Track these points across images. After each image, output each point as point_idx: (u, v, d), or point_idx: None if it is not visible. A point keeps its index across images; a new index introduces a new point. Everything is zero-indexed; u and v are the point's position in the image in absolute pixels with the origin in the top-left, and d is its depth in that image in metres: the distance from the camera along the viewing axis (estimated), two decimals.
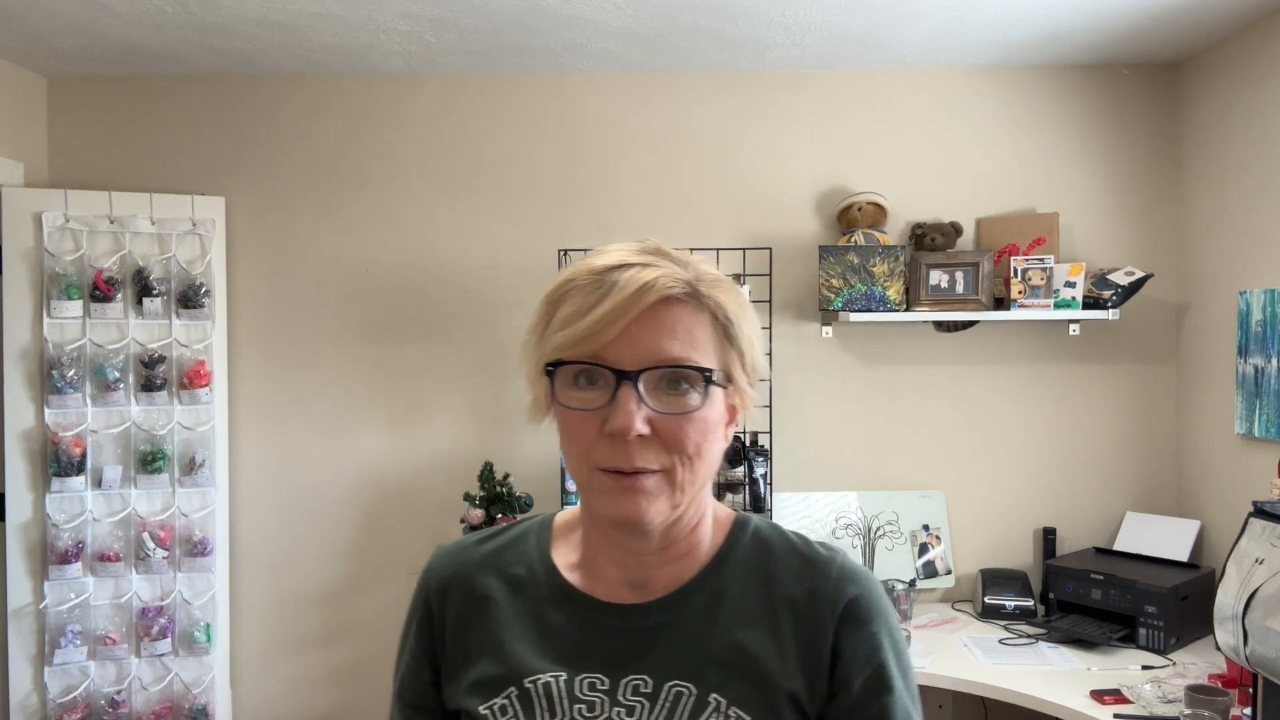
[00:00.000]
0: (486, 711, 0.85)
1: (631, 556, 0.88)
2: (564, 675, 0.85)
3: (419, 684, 0.94)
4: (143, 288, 2.85)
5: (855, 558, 2.93)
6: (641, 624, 0.87)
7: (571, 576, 0.91)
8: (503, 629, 0.89)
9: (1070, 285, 2.76)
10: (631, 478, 0.80)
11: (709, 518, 0.91)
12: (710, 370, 0.82)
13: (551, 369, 0.82)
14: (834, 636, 0.85)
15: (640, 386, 0.79)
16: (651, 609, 0.88)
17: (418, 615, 0.95)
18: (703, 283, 0.83)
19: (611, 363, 0.79)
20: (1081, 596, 2.65)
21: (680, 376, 0.81)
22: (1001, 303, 2.84)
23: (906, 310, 2.82)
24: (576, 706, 0.84)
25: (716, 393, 0.83)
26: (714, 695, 0.83)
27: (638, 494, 0.81)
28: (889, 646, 0.87)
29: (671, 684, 0.84)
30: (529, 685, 0.85)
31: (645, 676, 0.84)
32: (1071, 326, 2.82)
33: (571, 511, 0.98)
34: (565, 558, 0.93)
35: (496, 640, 0.89)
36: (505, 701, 0.85)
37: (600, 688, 0.85)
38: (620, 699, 0.84)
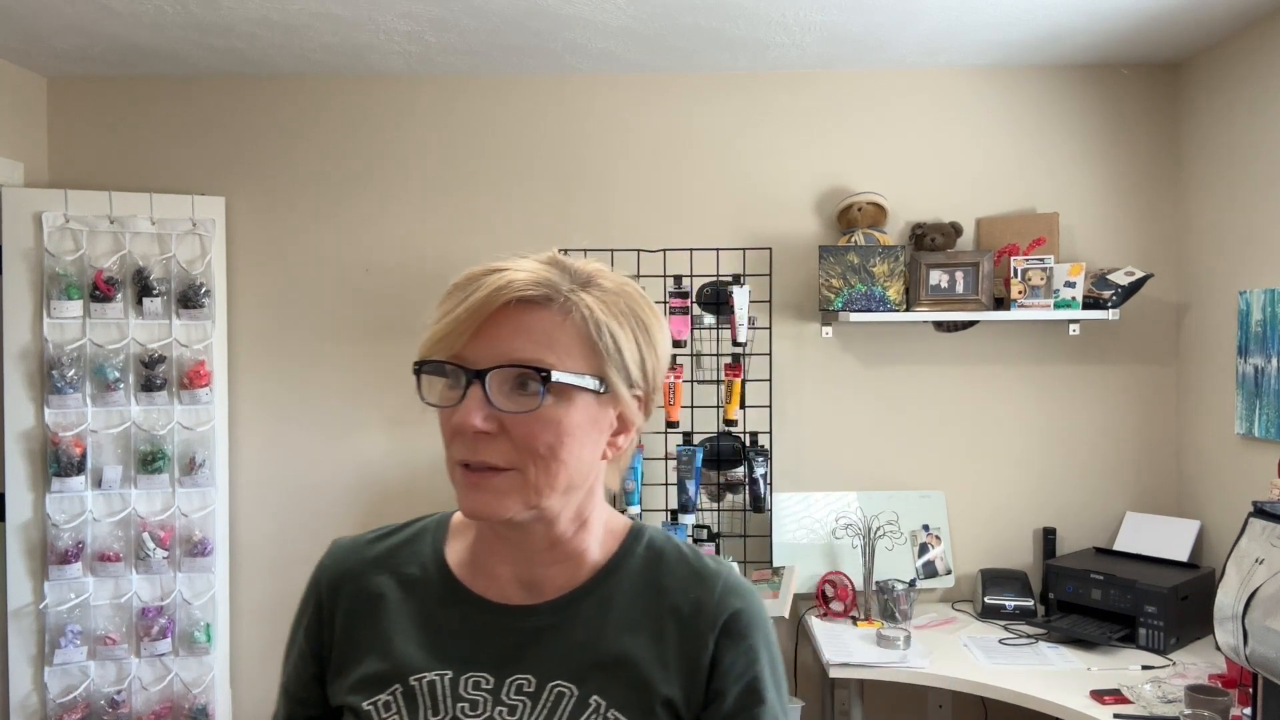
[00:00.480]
0: (370, 707, 0.87)
1: (520, 554, 0.90)
2: (449, 674, 0.87)
3: (304, 678, 0.96)
4: (143, 288, 2.85)
5: (856, 558, 2.93)
6: (529, 625, 0.89)
7: (464, 575, 0.92)
8: (392, 627, 0.90)
9: (1070, 285, 2.76)
10: (479, 474, 0.82)
11: (598, 525, 0.93)
12: (547, 371, 0.81)
13: (418, 368, 0.86)
14: (714, 648, 0.88)
15: (488, 385, 0.81)
16: (540, 611, 0.89)
17: (309, 611, 0.97)
18: (586, 289, 0.84)
19: (468, 362, 0.82)
20: (1081, 596, 2.65)
21: (529, 377, 0.81)
22: (1001, 303, 2.84)
23: (906, 310, 2.82)
24: (460, 705, 0.86)
25: (581, 397, 0.83)
26: (594, 697, 0.85)
27: (485, 491, 0.83)
28: (765, 660, 0.90)
29: (554, 684, 0.86)
30: (414, 683, 0.87)
31: (529, 676, 0.86)
32: (1071, 326, 2.82)
33: None
34: (459, 556, 0.94)
35: (385, 638, 0.90)
36: (390, 698, 0.87)
37: (485, 686, 0.87)
38: (503, 698, 0.86)
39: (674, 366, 2.74)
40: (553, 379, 0.81)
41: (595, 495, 0.91)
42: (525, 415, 0.81)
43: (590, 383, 0.83)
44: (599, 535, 0.93)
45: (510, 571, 0.91)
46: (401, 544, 0.97)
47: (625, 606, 0.90)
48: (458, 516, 0.99)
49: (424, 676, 0.87)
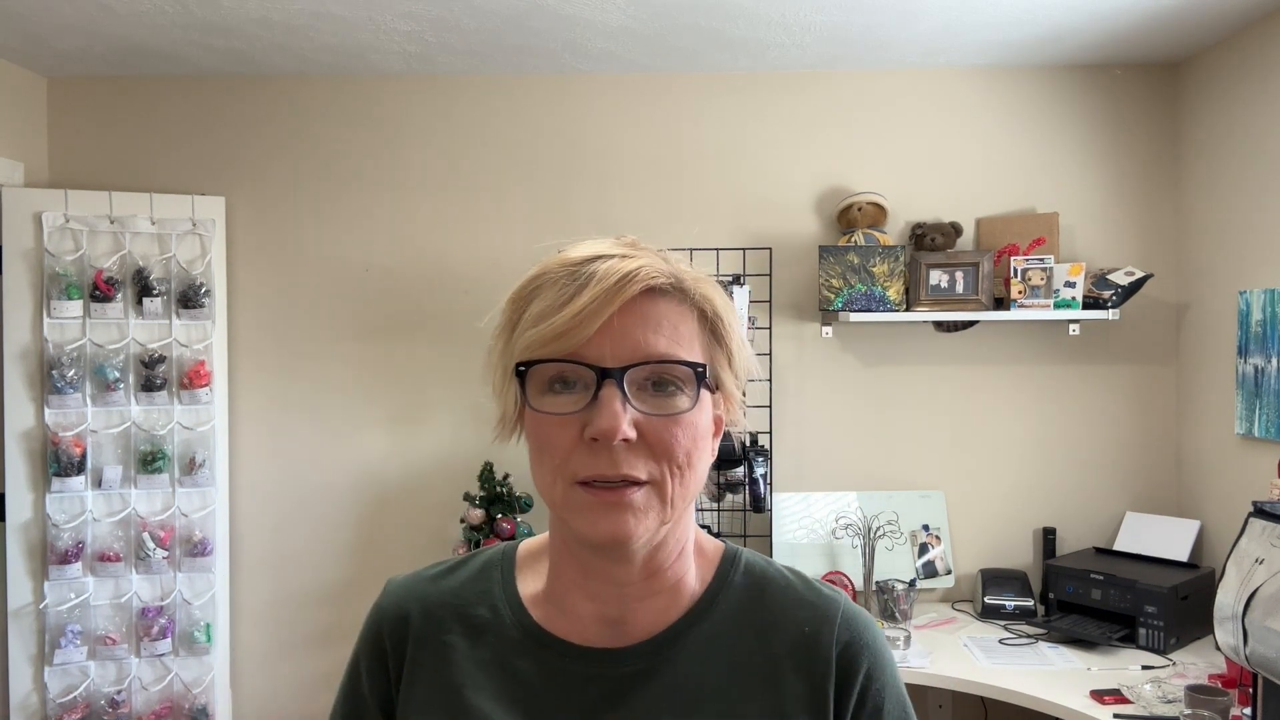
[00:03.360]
0: None
1: (611, 588, 0.78)
2: None
3: None
4: (143, 288, 2.85)
5: (856, 558, 2.92)
6: (620, 671, 0.78)
7: (539, 614, 0.81)
8: (464, 679, 0.79)
9: (1070, 285, 2.76)
10: (617, 491, 0.71)
11: (691, 547, 0.82)
12: (703, 367, 0.74)
13: (523, 369, 0.74)
14: (836, 688, 0.78)
15: (625, 385, 0.71)
16: (631, 654, 0.78)
17: (371, 657, 0.85)
18: (687, 277, 0.77)
19: (592, 360, 0.71)
20: (1081, 596, 2.65)
21: (668, 376, 0.73)
22: (1001, 303, 2.84)
23: (906, 310, 2.82)
24: None
25: (706, 396, 0.76)
26: None
27: (624, 510, 0.72)
28: (894, 695, 0.80)
29: None
30: None
31: None
32: (1071, 326, 2.82)
33: (536, 540, 0.89)
34: (532, 593, 0.83)
35: (455, 692, 0.79)
36: None
37: None
38: None
39: None
40: (705, 377, 0.74)
41: (693, 514, 0.82)
42: (669, 419, 0.72)
43: (712, 379, 0.76)
44: (692, 560, 0.81)
45: (595, 609, 0.79)
46: (466, 582, 0.85)
47: (729, 646, 0.79)
48: (524, 548, 0.88)
49: None
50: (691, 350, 0.75)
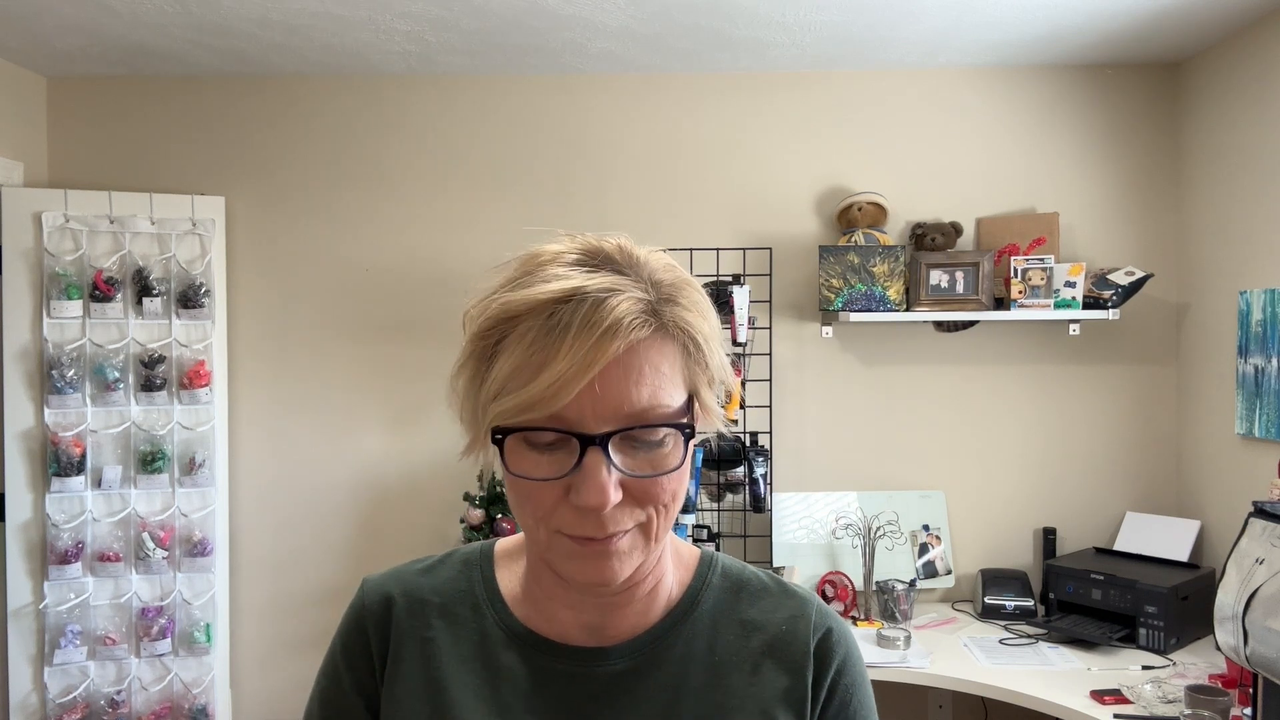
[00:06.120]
0: None
1: (590, 598, 0.79)
2: None
3: None
4: (143, 288, 2.85)
5: (857, 558, 2.93)
6: (605, 670, 0.78)
7: (520, 613, 0.82)
8: (446, 676, 0.79)
9: (1070, 285, 2.76)
10: (603, 542, 0.71)
11: (669, 554, 0.83)
12: (689, 426, 0.72)
13: (500, 437, 0.70)
14: (813, 680, 0.80)
15: (610, 449, 0.69)
16: (616, 653, 0.79)
17: (352, 650, 0.83)
18: (665, 301, 0.71)
19: (573, 422, 0.68)
20: (1081, 596, 2.65)
21: (653, 434, 0.71)
22: (1001, 303, 2.84)
23: (906, 310, 2.82)
24: None
25: (688, 440, 0.74)
26: None
27: (610, 557, 0.71)
28: (862, 693, 0.83)
29: None
30: None
31: None
32: (1071, 326, 2.81)
33: (513, 540, 0.88)
34: (512, 593, 0.83)
35: (438, 687, 0.79)
36: None
37: None
38: None
39: None
40: (691, 432, 0.72)
41: None
42: (658, 476, 0.71)
43: (693, 414, 0.74)
44: (671, 567, 0.83)
45: (574, 616, 0.80)
46: (447, 580, 0.85)
47: (710, 645, 0.80)
48: (501, 547, 0.88)
49: None
50: (674, 387, 0.71)
